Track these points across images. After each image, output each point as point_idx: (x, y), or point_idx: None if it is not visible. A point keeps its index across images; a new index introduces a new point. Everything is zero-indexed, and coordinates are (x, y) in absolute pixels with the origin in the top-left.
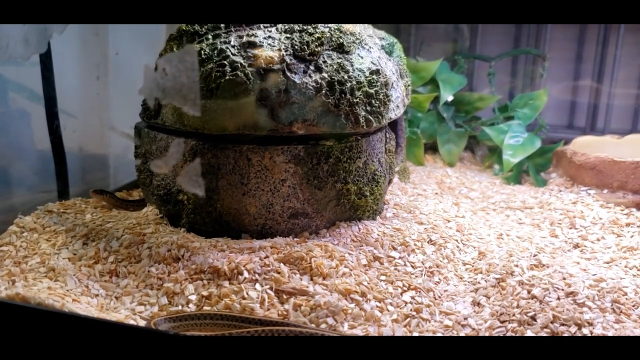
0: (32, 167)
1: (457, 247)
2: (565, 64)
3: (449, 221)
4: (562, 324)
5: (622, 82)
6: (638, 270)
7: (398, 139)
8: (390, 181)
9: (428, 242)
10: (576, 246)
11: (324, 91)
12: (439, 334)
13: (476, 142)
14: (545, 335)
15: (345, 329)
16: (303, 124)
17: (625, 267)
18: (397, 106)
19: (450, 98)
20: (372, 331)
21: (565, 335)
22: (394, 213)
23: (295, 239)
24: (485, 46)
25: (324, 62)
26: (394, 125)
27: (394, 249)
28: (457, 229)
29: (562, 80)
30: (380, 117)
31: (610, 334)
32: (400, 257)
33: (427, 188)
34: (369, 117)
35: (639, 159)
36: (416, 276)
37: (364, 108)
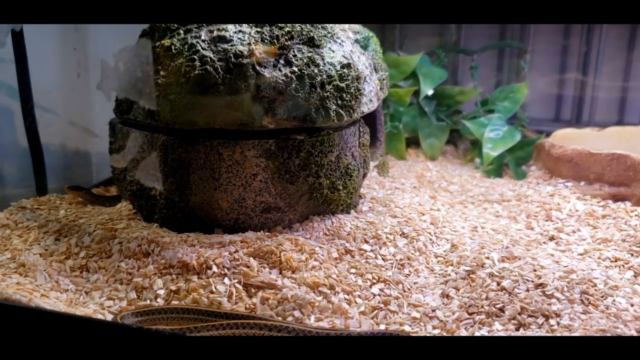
0: (14, 163)
1: (430, 239)
2: (551, 57)
3: (423, 214)
4: (530, 315)
5: (607, 75)
6: (611, 261)
7: (377, 133)
8: (365, 175)
9: (400, 235)
10: (552, 238)
11: (293, 85)
12: (406, 326)
13: (459, 136)
14: (513, 326)
15: (312, 322)
16: (273, 118)
17: (599, 258)
18: (371, 100)
19: (430, 92)
20: (339, 323)
21: (533, 326)
22: (369, 207)
23: (267, 233)
24: (470, 40)
25: (294, 56)
26: (372, 119)
27: (366, 242)
28: (431, 221)
29: (548, 73)
30: (351, 111)
31: (576, 324)
32: (371, 250)
33: (405, 182)
34: (340, 110)
35: (614, 151)
36: (386, 269)
37: (334, 102)
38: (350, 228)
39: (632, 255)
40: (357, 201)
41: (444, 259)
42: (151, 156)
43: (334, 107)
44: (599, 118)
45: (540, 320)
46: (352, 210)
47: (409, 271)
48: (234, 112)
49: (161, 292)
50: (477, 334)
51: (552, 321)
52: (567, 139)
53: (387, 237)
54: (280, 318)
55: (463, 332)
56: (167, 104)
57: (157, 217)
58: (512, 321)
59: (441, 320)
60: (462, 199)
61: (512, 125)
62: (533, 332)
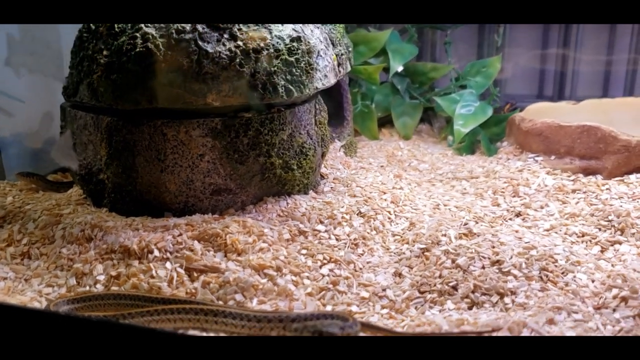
0: None
1: (389, 218)
2: (531, 32)
3: (384, 193)
4: (484, 294)
5: (590, 49)
6: (578, 236)
7: (344, 112)
8: (324, 154)
9: (357, 215)
10: (518, 214)
11: (238, 60)
12: (354, 307)
13: (433, 113)
14: (465, 305)
15: (254, 305)
16: (218, 95)
17: (565, 234)
18: (326, 75)
19: (400, 68)
20: (283, 306)
21: (487, 305)
22: (331, 187)
23: (214, 216)
24: None
25: (239, 29)
26: (338, 97)
27: (321, 222)
28: (391, 200)
29: (529, 48)
30: (302, 86)
31: (532, 302)
32: (325, 231)
33: (373, 162)
34: (290, 86)
35: (584, 123)
36: (339, 249)
37: (283, 77)
38: (306, 209)
39: (599, 229)
40: (316, 181)
41: (401, 237)
42: (96, 139)
43: (283, 82)
44: (581, 93)
45: (495, 298)
46: (311, 191)
47: (363, 250)
48: (176, 90)
49: (101, 277)
50: (427, 313)
51: (506, 299)
52: (541, 113)
53: (342, 217)
54: (221, 302)
55: (412, 312)
56: (109, 84)
57: (106, 202)
58: (465, 300)
59: (391, 300)
60: (430, 177)
61: (484, 100)
62: (486, 310)
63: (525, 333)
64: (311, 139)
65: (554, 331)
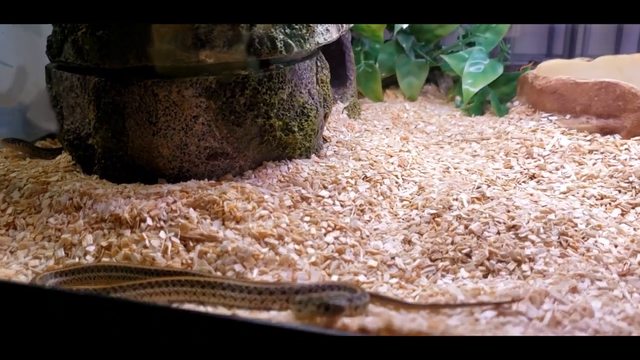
0: None
1: (396, 182)
2: None
3: (391, 156)
4: (500, 261)
5: None
6: (597, 199)
7: (347, 71)
8: (326, 115)
9: (363, 179)
10: (532, 177)
11: None
12: (361, 276)
13: (440, 73)
14: (480, 273)
15: (255, 276)
16: (212, 51)
17: (583, 196)
18: (327, 30)
19: (405, 25)
20: (286, 276)
21: (503, 273)
22: (334, 151)
23: (210, 182)
24: None
25: None
26: (341, 56)
27: (324, 187)
28: (399, 164)
29: None
30: (302, 41)
31: (552, 269)
32: (329, 197)
33: (378, 124)
34: (289, 41)
35: (602, 79)
36: (344, 215)
37: (282, 31)
38: (308, 173)
39: (619, 192)
40: (319, 144)
41: (410, 202)
42: (84, 101)
43: (282, 36)
44: (593, 51)
45: (511, 265)
46: (313, 155)
47: (370, 217)
48: (166, 45)
49: (91, 248)
50: (439, 282)
51: (524, 266)
52: (554, 71)
53: (347, 182)
54: (219, 273)
55: (424, 281)
56: (95, 41)
57: (96, 169)
58: (480, 267)
59: (400, 269)
60: (438, 140)
61: (494, 58)
62: (503, 279)
63: (548, 303)
64: (313, 98)
65: (578, 300)
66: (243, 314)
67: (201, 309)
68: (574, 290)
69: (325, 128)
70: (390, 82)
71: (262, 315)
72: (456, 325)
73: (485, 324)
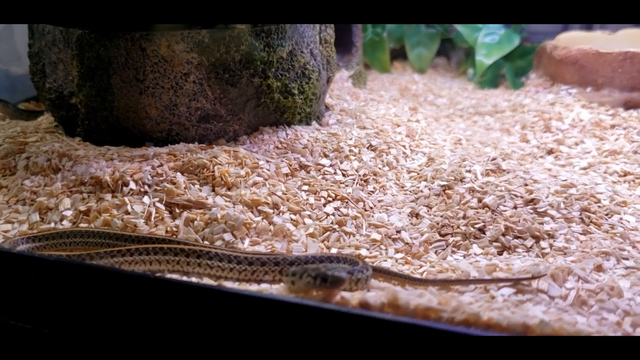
0: None
1: (403, 153)
2: None
3: (399, 125)
4: (516, 237)
5: None
6: (619, 175)
7: (352, 37)
8: (329, 80)
9: (367, 148)
10: (550, 152)
11: None
12: (363, 250)
13: (451, 46)
14: (495, 249)
15: (246, 246)
16: None
17: (605, 172)
18: None
19: None
20: (280, 247)
21: (520, 250)
22: (337, 119)
23: (200, 145)
24: None
25: None
26: None
27: (325, 155)
28: (407, 134)
29: None
30: None
31: (573, 247)
32: (330, 165)
33: (385, 94)
34: None
35: (628, 49)
36: (346, 185)
37: None
38: (308, 140)
39: None
40: (320, 111)
41: (418, 174)
42: (67, 56)
43: None
44: (611, 25)
45: (529, 242)
46: (314, 122)
47: (374, 188)
48: None
49: (68, 213)
50: (449, 258)
51: (543, 243)
52: (574, 43)
53: (350, 151)
54: (207, 242)
55: (432, 257)
56: None
57: (79, 130)
58: (494, 244)
59: (406, 243)
60: (449, 113)
61: (510, 28)
62: (520, 256)
63: (571, 280)
64: (315, 59)
65: (603, 279)
66: (230, 285)
67: (184, 279)
68: (599, 268)
69: (328, 95)
70: (397, 54)
71: (252, 288)
72: (470, 302)
73: (502, 302)
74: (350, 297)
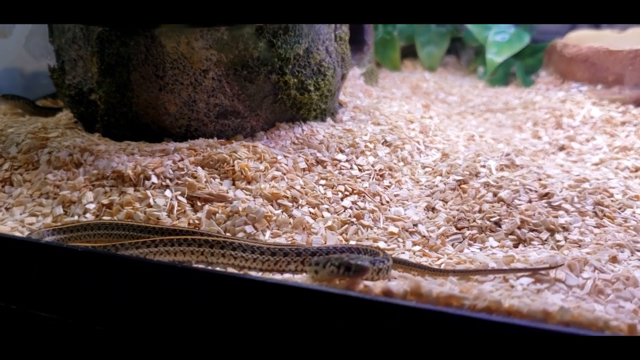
0: None
1: (418, 148)
2: None
3: (412, 122)
4: (532, 230)
5: None
6: (631, 171)
7: (364, 36)
8: (344, 76)
9: (382, 144)
10: (562, 148)
11: None
12: (381, 243)
13: (461, 44)
14: (511, 242)
15: (267, 238)
16: None
17: (616, 168)
18: None
19: None
20: (300, 239)
21: (535, 242)
22: (351, 116)
23: (219, 140)
24: None
25: None
26: None
27: (341, 151)
28: (420, 130)
29: None
30: None
31: (588, 239)
32: (347, 160)
33: (397, 92)
34: None
35: (638, 47)
36: (362, 180)
37: None
38: (324, 136)
39: None
40: (334, 108)
41: (433, 169)
42: (87, 53)
43: None
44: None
45: (545, 235)
46: (329, 118)
47: (390, 182)
48: None
49: (91, 206)
50: (466, 251)
51: (558, 236)
52: (584, 41)
53: (366, 146)
54: (229, 234)
55: (449, 249)
56: None
57: (98, 126)
58: (510, 236)
59: (423, 236)
60: (460, 110)
61: (520, 26)
62: (535, 248)
63: (588, 271)
64: (330, 56)
65: (619, 270)
66: (255, 275)
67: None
68: (614, 260)
69: (341, 92)
70: (408, 53)
71: (276, 277)
72: (490, 290)
73: (521, 290)
74: (373, 286)
